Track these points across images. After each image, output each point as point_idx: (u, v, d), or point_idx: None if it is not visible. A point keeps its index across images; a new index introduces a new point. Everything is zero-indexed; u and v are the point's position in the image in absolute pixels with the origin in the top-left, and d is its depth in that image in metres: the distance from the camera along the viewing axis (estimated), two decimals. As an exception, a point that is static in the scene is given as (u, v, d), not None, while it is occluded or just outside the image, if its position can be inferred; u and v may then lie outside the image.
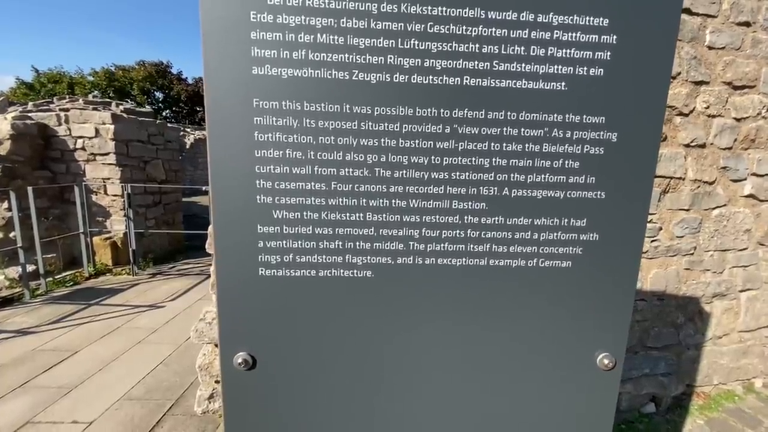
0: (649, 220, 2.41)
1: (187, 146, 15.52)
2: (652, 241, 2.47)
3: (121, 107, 6.48)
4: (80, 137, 5.69)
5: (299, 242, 0.61)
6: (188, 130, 17.08)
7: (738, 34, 2.27)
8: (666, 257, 2.51)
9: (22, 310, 4.24)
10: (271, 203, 0.59)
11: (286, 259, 0.61)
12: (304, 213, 0.60)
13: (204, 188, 5.79)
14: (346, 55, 0.55)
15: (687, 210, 2.48)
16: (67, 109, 5.77)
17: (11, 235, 4.87)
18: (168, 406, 2.70)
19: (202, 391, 2.07)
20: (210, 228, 1.87)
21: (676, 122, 2.35)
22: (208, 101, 0.54)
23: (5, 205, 5.01)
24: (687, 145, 2.38)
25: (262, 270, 0.61)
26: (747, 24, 2.28)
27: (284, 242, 0.61)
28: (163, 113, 23.58)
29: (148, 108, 7.51)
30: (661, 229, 2.46)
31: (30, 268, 4.63)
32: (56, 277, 5.06)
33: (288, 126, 0.57)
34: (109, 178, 5.79)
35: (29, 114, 5.60)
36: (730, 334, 2.80)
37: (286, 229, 0.60)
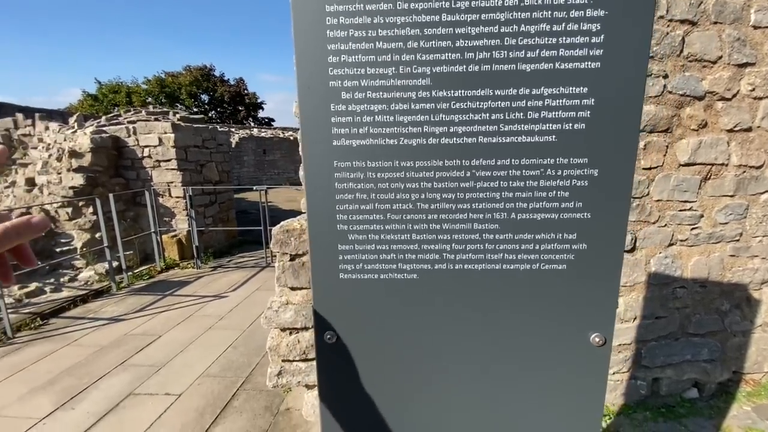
0: (689, 207, 2.45)
1: (233, 145, 16.43)
2: (693, 228, 2.50)
3: (178, 116, 7.09)
4: (146, 146, 6.35)
5: (366, 255, 0.88)
6: (233, 130, 18.02)
7: (787, 10, 2.21)
8: (708, 244, 2.53)
9: (112, 301, 4.92)
10: (346, 230, 0.86)
11: (357, 267, 0.89)
12: (369, 235, 0.87)
13: (255, 188, 6.28)
14: (395, 129, 0.80)
15: (731, 196, 2.45)
16: (134, 121, 6.44)
17: (97, 235, 5.60)
18: (240, 383, 3.14)
19: (271, 369, 2.43)
20: (273, 232, 2.18)
21: (717, 108, 2.34)
22: (306, 165, 0.82)
23: (90, 209, 5.76)
24: (730, 131, 2.35)
25: (341, 274, 0.89)
26: (798, -2, 2.21)
27: (356, 255, 0.88)
28: (209, 114, 24.89)
29: (199, 115, 8.10)
30: (702, 216, 2.48)
31: (113, 264, 5.33)
32: (135, 271, 5.76)
33: (356, 178, 0.83)
34: (172, 182, 6.43)
35: (103, 128, 6.32)
36: (782, 321, 2.76)
37: (356, 247, 0.87)
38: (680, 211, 2.43)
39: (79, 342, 3.86)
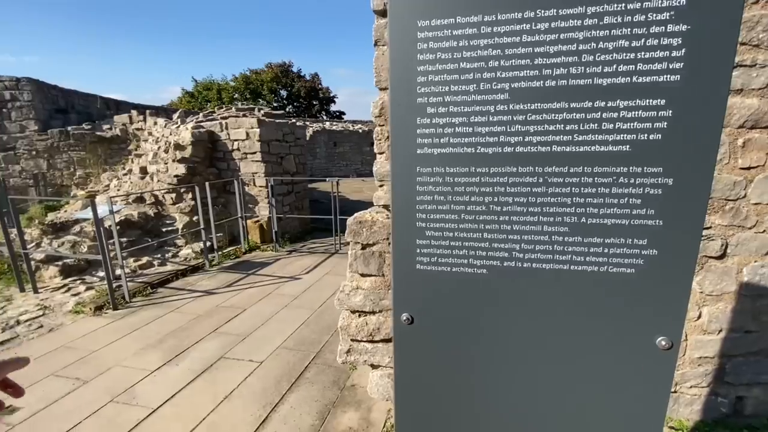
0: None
1: (307, 138, 17.37)
2: (788, 234, 2.23)
3: (262, 112, 7.73)
4: (236, 140, 7.03)
5: (440, 250, 1.00)
6: (307, 123, 19.04)
7: None
8: (810, 253, 2.24)
9: (206, 276, 5.60)
10: (424, 227, 0.99)
11: (432, 260, 1.01)
12: (444, 233, 0.98)
13: (327, 179, 6.66)
14: (473, 139, 0.90)
15: None
16: (226, 117, 7.16)
17: (194, 218, 6.39)
18: (311, 357, 3.45)
19: (341, 346, 2.66)
20: (347, 222, 2.36)
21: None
22: (393, 170, 0.96)
23: (190, 195, 6.57)
24: None
25: (418, 265, 1.02)
26: None
27: (431, 250, 1.00)
28: (287, 109, 26.47)
29: (279, 111, 8.72)
30: (804, 221, 2.20)
31: (207, 244, 6.04)
32: (224, 251, 6.48)
33: (435, 182, 0.95)
34: (256, 173, 7.06)
35: (201, 123, 7.12)
36: None
37: (432, 242, 0.99)
38: (785, 217, 2.19)
39: (180, 310, 4.50)
